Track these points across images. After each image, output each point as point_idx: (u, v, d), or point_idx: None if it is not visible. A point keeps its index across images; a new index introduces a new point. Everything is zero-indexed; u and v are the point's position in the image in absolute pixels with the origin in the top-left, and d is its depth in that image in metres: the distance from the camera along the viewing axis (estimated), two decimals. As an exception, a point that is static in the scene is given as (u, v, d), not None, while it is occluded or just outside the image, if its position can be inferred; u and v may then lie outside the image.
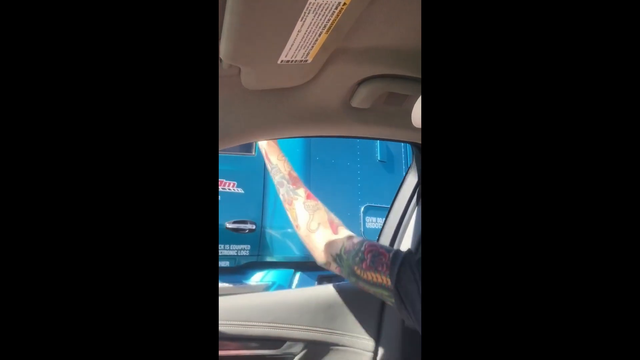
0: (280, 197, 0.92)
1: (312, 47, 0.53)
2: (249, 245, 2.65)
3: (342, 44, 0.57)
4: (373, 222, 3.08)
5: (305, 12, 0.46)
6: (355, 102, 0.72)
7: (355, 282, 0.80)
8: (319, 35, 0.51)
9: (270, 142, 0.95)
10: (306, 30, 0.49)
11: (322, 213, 0.87)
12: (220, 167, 2.61)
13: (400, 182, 1.09)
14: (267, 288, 2.57)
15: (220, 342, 0.84)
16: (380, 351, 0.97)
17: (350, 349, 0.96)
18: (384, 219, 1.11)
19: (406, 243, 1.02)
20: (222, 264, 2.61)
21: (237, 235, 2.61)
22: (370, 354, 0.96)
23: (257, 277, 2.64)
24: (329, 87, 0.68)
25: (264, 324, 0.89)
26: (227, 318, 0.86)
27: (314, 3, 0.45)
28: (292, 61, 0.56)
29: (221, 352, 0.84)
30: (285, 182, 0.91)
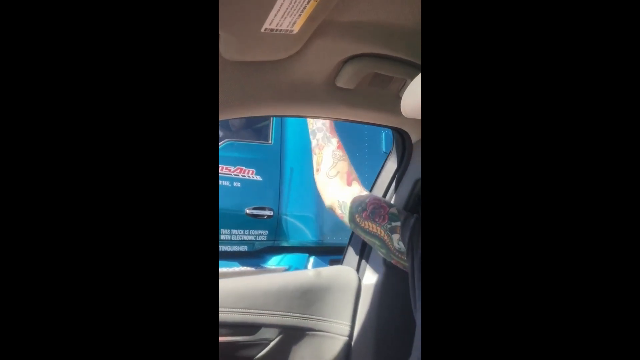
0: (314, 142, 0.94)
1: (300, 15, 0.49)
2: (266, 231, 2.69)
3: (330, 16, 0.52)
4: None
5: None
6: (340, 82, 0.68)
7: (354, 228, 0.86)
8: (308, 2, 0.46)
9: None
10: None
11: (345, 164, 0.91)
12: (240, 156, 2.65)
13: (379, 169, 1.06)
14: (285, 271, 2.61)
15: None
16: (356, 335, 0.95)
17: (326, 333, 0.94)
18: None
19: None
20: (241, 248, 2.66)
21: (256, 221, 2.65)
22: (346, 339, 0.94)
23: (274, 261, 2.68)
24: (313, 63, 0.63)
25: (238, 310, 0.88)
26: None
27: None
28: (276, 30, 0.52)
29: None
30: (324, 129, 0.93)
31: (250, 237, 2.67)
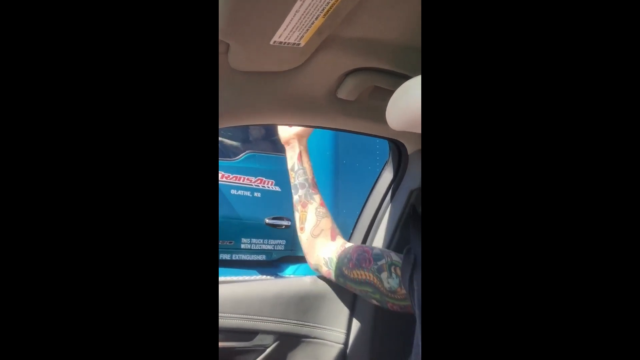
0: (296, 198, 0.92)
1: (307, 30, 0.49)
2: (284, 241, 2.68)
3: (335, 31, 0.53)
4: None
5: None
6: (342, 94, 0.68)
7: (343, 282, 0.82)
8: (316, 18, 0.46)
9: (305, 145, 0.96)
10: (304, 12, 0.45)
11: (328, 221, 0.89)
12: (260, 167, 2.67)
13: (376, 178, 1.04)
14: (301, 280, 2.59)
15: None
16: (351, 343, 0.93)
17: (321, 341, 0.92)
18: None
19: (378, 240, 0.97)
20: (259, 257, 2.66)
21: (275, 231, 2.64)
22: (341, 346, 0.92)
23: (290, 271, 2.66)
24: (317, 75, 0.64)
25: (235, 316, 0.87)
26: None
27: None
28: (284, 43, 0.52)
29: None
30: (306, 185, 0.92)
31: (269, 247, 2.66)
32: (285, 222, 2.67)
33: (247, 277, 2.46)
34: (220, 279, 2.38)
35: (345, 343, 0.93)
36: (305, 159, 0.95)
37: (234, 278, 2.42)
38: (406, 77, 0.67)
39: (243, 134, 2.76)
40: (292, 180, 0.94)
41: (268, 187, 2.68)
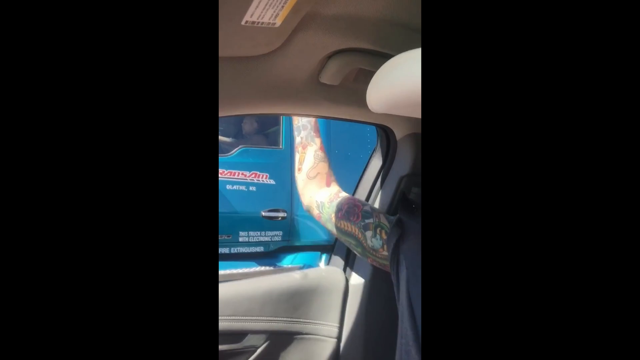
0: (297, 139, 0.88)
1: (282, 7, 0.42)
2: (281, 232, 2.63)
3: (314, 9, 0.46)
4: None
5: None
6: (324, 78, 0.60)
7: (331, 228, 0.80)
8: None
9: None
10: None
11: (325, 165, 0.86)
12: (254, 161, 2.62)
13: (364, 166, 0.97)
14: (300, 269, 2.58)
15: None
16: (344, 337, 0.86)
17: (314, 336, 0.85)
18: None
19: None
20: (257, 249, 2.62)
21: (271, 222, 2.59)
22: (334, 340, 0.85)
23: (288, 260, 2.63)
24: (296, 58, 0.56)
25: (223, 317, 0.80)
26: None
27: None
28: (258, 22, 0.45)
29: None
30: (308, 127, 0.87)
31: (266, 238, 2.63)
32: (281, 214, 2.63)
33: (246, 270, 2.42)
34: (224, 272, 2.34)
35: (339, 337, 0.86)
36: None
37: (234, 271, 2.39)
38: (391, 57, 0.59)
39: (236, 129, 2.70)
40: (295, 122, 0.90)
41: (262, 180, 2.64)
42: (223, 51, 0.51)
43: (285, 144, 2.70)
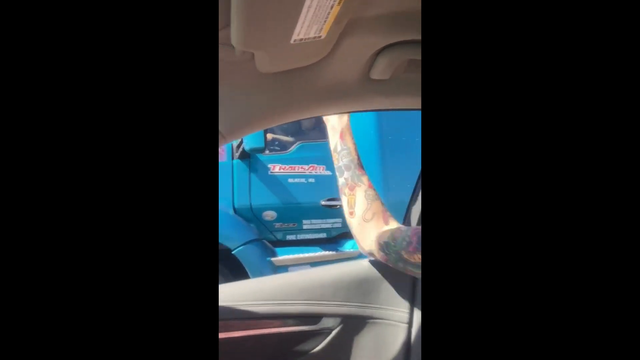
0: (342, 181, 0.80)
1: (325, 21, 0.44)
2: (340, 219, 2.66)
3: (356, 14, 0.47)
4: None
5: None
6: (375, 74, 0.60)
7: (403, 267, 0.71)
8: (331, 8, 0.42)
9: (347, 122, 0.82)
10: (317, 5, 0.41)
11: (379, 204, 0.77)
12: (311, 155, 2.66)
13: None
14: (359, 254, 2.58)
15: (260, 322, 0.82)
16: (415, 322, 0.85)
17: (386, 321, 0.85)
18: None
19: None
20: (320, 235, 2.68)
21: (330, 211, 2.63)
22: (406, 326, 0.85)
23: (349, 245, 2.64)
24: (345, 61, 0.57)
25: (300, 302, 0.83)
26: (265, 298, 0.83)
27: None
28: (305, 39, 0.47)
29: (263, 331, 0.82)
30: (352, 167, 0.79)
31: (328, 225, 2.68)
32: (339, 202, 2.64)
33: (312, 254, 2.49)
34: (288, 257, 2.43)
35: (410, 323, 0.85)
36: (348, 137, 0.81)
37: (301, 256, 2.46)
38: None
39: (295, 127, 2.75)
40: (335, 162, 0.82)
41: (320, 172, 2.69)
42: (277, 67, 0.53)
43: (340, 136, 2.70)
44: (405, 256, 0.70)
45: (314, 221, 2.67)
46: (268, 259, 2.40)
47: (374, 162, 2.57)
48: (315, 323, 0.84)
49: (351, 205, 0.79)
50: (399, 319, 0.85)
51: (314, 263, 2.43)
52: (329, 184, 2.64)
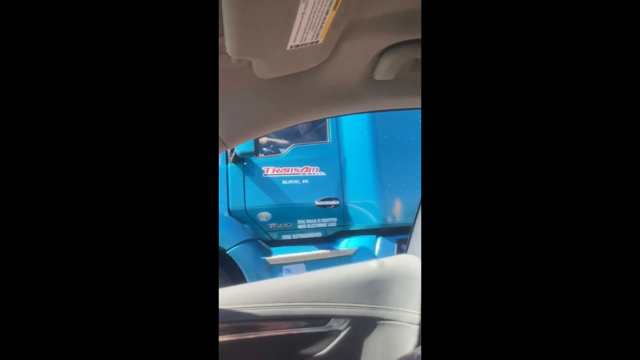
0: None
1: (321, 26, 0.41)
2: (335, 218, 2.62)
3: (354, 17, 0.43)
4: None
5: None
6: (379, 75, 0.56)
7: None
8: (326, 13, 0.39)
9: None
10: (311, 11, 0.38)
11: None
12: (305, 157, 2.62)
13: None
14: (355, 252, 2.54)
15: (269, 324, 0.76)
16: (427, 323, 0.80)
17: (397, 322, 0.80)
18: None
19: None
20: (315, 234, 2.63)
21: (325, 211, 2.60)
22: (417, 327, 0.79)
23: (344, 244, 2.61)
24: (346, 64, 0.53)
25: (307, 304, 0.77)
26: (273, 300, 0.76)
27: None
28: (302, 45, 0.44)
29: (271, 333, 0.76)
30: None
31: (322, 225, 2.64)
32: (333, 202, 2.63)
33: (305, 253, 2.45)
34: (281, 256, 2.40)
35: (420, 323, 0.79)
36: None
37: (295, 255, 2.42)
38: None
39: (289, 130, 2.71)
40: None
41: (314, 173, 2.66)
42: (275, 73, 0.50)
43: (332, 138, 2.68)
44: None
45: (309, 221, 2.64)
46: (262, 258, 2.36)
47: (368, 161, 2.55)
48: (323, 324, 0.78)
49: None
50: (410, 320, 0.79)
51: (310, 262, 2.39)
52: (323, 184, 2.63)
